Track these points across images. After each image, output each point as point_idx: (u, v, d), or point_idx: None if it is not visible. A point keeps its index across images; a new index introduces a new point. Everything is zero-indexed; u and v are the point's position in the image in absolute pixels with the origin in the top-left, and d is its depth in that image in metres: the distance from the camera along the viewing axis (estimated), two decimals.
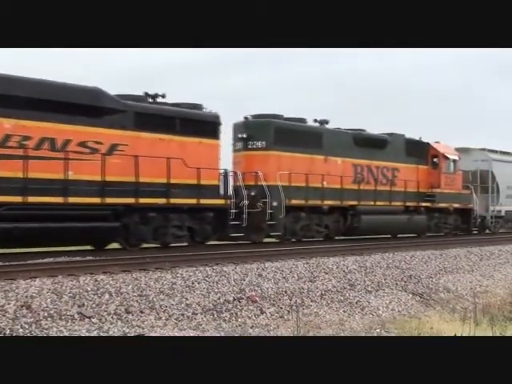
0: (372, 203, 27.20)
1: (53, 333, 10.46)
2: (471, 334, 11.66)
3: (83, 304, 11.75)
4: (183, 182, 19.91)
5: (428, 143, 31.10)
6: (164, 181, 19.29)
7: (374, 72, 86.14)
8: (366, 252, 21.00)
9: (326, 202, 25.14)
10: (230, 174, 22.42)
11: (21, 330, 10.34)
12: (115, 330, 11.04)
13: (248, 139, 23.94)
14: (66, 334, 10.52)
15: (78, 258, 16.27)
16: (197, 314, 12.64)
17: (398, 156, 29.25)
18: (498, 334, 11.73)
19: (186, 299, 13.08)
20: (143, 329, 11.33)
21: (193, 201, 20.12)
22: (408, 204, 29.22)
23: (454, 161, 31.77)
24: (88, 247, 19.04)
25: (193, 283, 14.03)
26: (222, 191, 21.54)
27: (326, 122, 26.14)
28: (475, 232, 33.61)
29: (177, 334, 11.25)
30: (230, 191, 21.70)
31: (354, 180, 26.82)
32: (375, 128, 30.46)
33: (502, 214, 35.29)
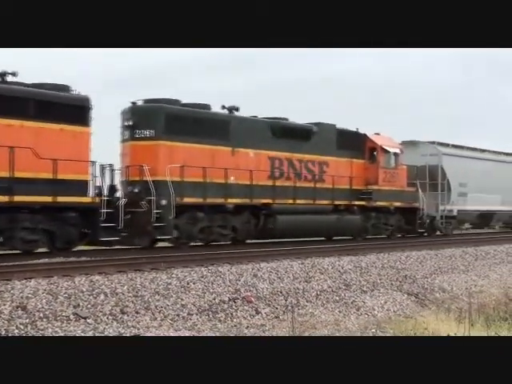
0: (291, 201, 23.92)
1: (48, 333, 10.44)
2: (466, 334, 11.68)
3: (78, 304, 11.74)
4: (34, 177, 16.70)
5: (365, 135, 27.81)
6: (6, 174, 16.13)
7: (374, 71, 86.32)
8: (361, 252, 21.02)
9: (230, 201, 21.71)
10: (108, 167, 19.17)
11: (16, 330, 10.33)
12: (110, 330, 11.04)
13: (135, 127, 20.47)
14: (62, 334, 10.50)
15: (73, 259, 16.26)
16: (192, 314, 12.64)
17: (328, 148, 25.83)
18: (493, 334, 11.74)
19: (182, 299, 13.08)
20: (138, 329, 11.32)
21: (47, 199, 16.82)
22: (337, 202, 25.79)
23: (396, 154, 28.52)
24: (83, 247, 18.98)
25: (188, 283, 14.03)
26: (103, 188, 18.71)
27: (236, 108, 22.80)
28: (425, 234, 31.22)
29: (172, 335, 11.24)
30: (103, 188, 18.59)
31: (271, 175, 23.49)
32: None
33: (454, 213, 31.91)
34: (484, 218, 34.92)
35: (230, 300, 13.68)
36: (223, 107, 22.71)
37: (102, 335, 10.72)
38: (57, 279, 12.91)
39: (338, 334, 12.66)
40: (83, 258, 16.40)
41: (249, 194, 22.44)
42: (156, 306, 12.48)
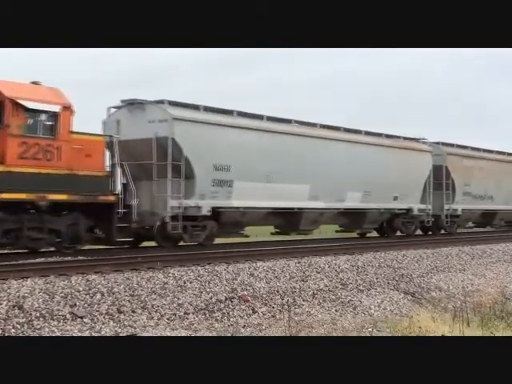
0: None
1: (45, 333, 10.46)
2: (462, 334, 11.70)
3: (75, 304, 11.76)
4: None
5: None
6: None
7: (374, 72, 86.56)
8: (357, 251, 21.02)
9: None
10: None
11: (13, 330, 10.34)
12: (107, 329, 11.05)
13: None
14: (58, 334, 10.52)
15: (69, 258, 16.25)
16: (189, 313, 12.65)
17: None
18: (488, 334, 11.77)
19: (178, 299, 13.09)
20: (135, 328, 11.33)
21: None
22: None
23: (55, 115, 16.87)
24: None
25: (185, 283, 14.04)
26: None
27: None
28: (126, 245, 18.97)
29: (169, 334, 11.25)
30: None
31: None
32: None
33: (205, 212, 20.32)
34: (286, 220, 23.78)
35: (226, 299, 13.69)
36: None
37: (99, 335, 10.73)
38: (53, 278, 12.92)
39: (334, 333, 12.67)
40: (79, 258, 16.38)
41: None
42: (152, 306, 12.49)
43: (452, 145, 32.51)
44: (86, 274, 13.66)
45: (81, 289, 12.47)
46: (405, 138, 29.20)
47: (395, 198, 27.86)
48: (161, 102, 20.35)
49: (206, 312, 12.94)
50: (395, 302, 16.28)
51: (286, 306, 13.93)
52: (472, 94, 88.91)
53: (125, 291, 12.83)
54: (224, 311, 13.16)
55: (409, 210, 28.62)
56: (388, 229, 28.62)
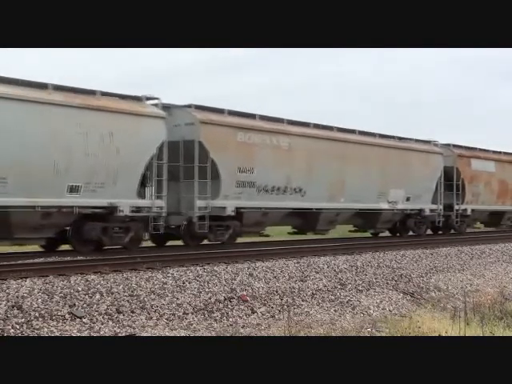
0: None
1: (44, 333, 10.45)
2: (461, 333, 11.69)
3: (74, 304, 11.75)
4: None
5: None
6: None
7: (375, 72, 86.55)
8: (356, 251, 21.03)
9: None
10: None
11: (12, 330, 10.33)
12: (106, 330, 11.05)
13: None
14: (57, 334, 10.51)
15: (68, 258, 16.25)
16: (188, 313, 12.64)
17: None
18: (488, 334, 11.76)
19: (177, 299, 13.08)
20: (134, 329, 11.32)
21: None
22: None
23: None
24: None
25: (184, 283, 14.04)
26: None
27: None
28: None
29: (168, 334, 11.25)
30: None
31: None
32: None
33: None
34: None
35: (225, 299, 13.68)
36: None
37: (98, 335, 10.73)
38: (52, 278, 12.92)
39: (333, 334, 12.66)
40: (78, 258, 16.38)
41: None
42: (151, 306, 12.48)
43: (219, 110, 21.12)
44: (85, 274, 13.66)
45: (80, 289, 12.47)
46: (108, 94, 18.18)
47: (75, 189, 16.93)
48: None
49: (205, 312, 12.93)
50: (394, 302, 16.28)
51: (285, 306, 13.93)
52: (472, 94, 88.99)
53: (124, 291, 12.82)
54: (223, 311, 13.16)
55: (114, 210, 17.85)
56: (74, 239, 17.96)
